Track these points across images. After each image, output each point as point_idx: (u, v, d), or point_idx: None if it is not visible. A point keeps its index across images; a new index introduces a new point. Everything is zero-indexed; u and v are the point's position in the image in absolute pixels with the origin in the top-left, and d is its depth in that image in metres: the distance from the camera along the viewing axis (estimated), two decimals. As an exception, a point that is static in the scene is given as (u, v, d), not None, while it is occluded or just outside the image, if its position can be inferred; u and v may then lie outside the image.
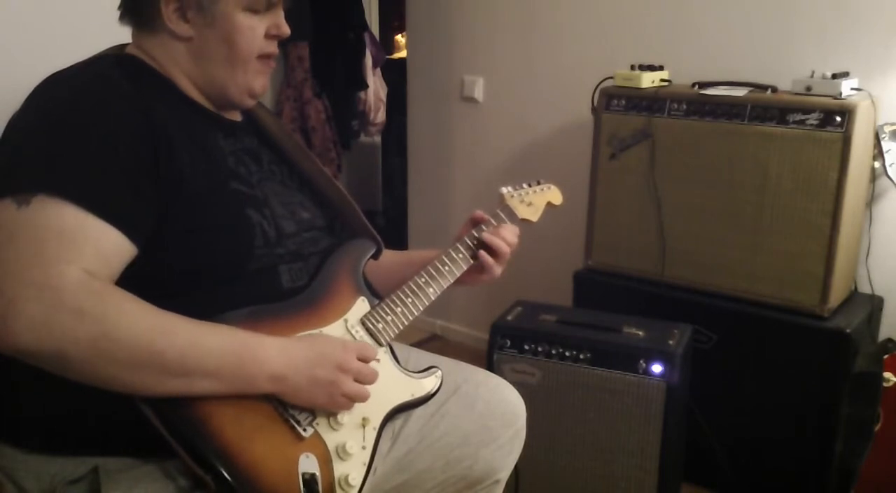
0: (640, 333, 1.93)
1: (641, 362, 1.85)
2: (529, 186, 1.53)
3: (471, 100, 3.01)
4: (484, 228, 1.40)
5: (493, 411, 1.39)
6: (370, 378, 1.15)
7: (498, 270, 1.40)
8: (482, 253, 1.38)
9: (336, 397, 1.09)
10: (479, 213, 1.43)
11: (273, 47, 1.22)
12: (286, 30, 1.22)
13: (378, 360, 1.21)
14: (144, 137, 1.05)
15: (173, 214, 1.06)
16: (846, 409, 1.98)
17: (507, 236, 1.40)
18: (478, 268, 1.39)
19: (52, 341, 0.92)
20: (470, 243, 1.39)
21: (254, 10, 1.17)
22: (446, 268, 1.34)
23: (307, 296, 1.18)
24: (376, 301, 1.25)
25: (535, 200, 1.52)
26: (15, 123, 1.08)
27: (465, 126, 3.07)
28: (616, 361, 1.88)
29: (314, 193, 1.32)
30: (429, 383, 1.29)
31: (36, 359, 0.94)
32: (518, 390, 1.47)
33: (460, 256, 1.37)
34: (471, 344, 3.15)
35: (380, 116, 3.62)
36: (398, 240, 3.40)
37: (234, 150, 1.20)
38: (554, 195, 1.57)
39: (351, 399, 1.12)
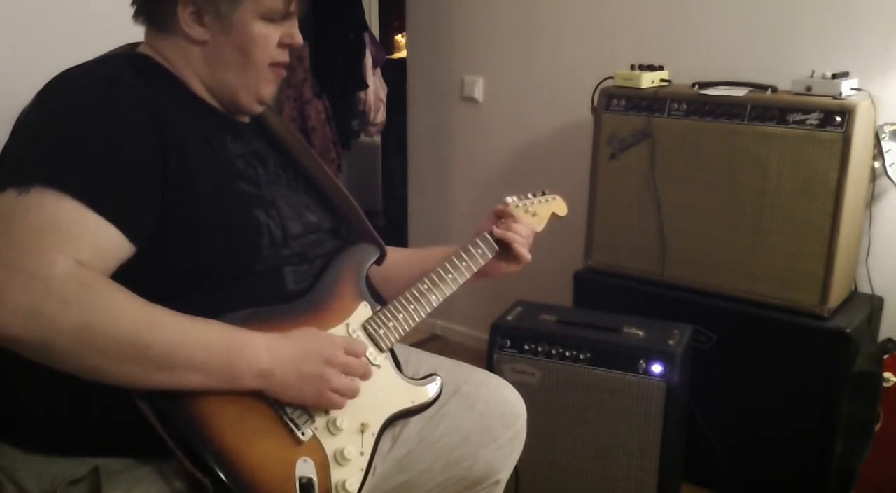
0: (640, 333, 1.93)
1: (641, 362, 1.85)
2: (534, 196, 1.54)
3: (471, 100, 3.01)
4: (496, 228, 1.43)
5: (494, 411, 1.39)
6: (360, 371, 1.14)
7: (524, 260, 1.45)
8: (508, 239, 1.41)
9: (324, 392, 1.09)
10: (500, 207, 1.47)
11: (285, 56, 1.23)
12: (299, 39, 1.22)
13: (379, 367, 1.21)
14: (151, 136, 1.05)
15: (181, 213, 1.06)
16: (846, 409, 1.98)
17: (519, 230, 1.43)
18: (502, 257, 1.43)
19: (38, 330, 0.91)
20: (476, 253, 1.40)
21: (270, 20, 1.18)
22: (450, 276, 1.34)
23: (310, 299, 1.18)
24: (378, 307, 1.25)
25: (539, 211, 1.52)
26: (24, 118, 1.08)
27: (465, 126, 3.07)
28: (616, 361, 1.88)
29: (320, 195, 1.32)
30: (429, 391, 1.28)
31: (21, 347, 0.93)
32: (518, 390, 1.46)
33: (464, 264, 1.37)
34: (471, 344, 3.15)
35: (380, 116, 3.62)
36: (398, 240, 3.40)
37: (243, 153, 1.20)
38: (559, 206, 1.57)
39: (340, 394, 1.11)
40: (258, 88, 1.21)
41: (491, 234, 1.43)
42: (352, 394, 1.13)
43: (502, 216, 1.47)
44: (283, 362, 1.05)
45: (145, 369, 0.97)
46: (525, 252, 1.43)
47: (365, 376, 1.15)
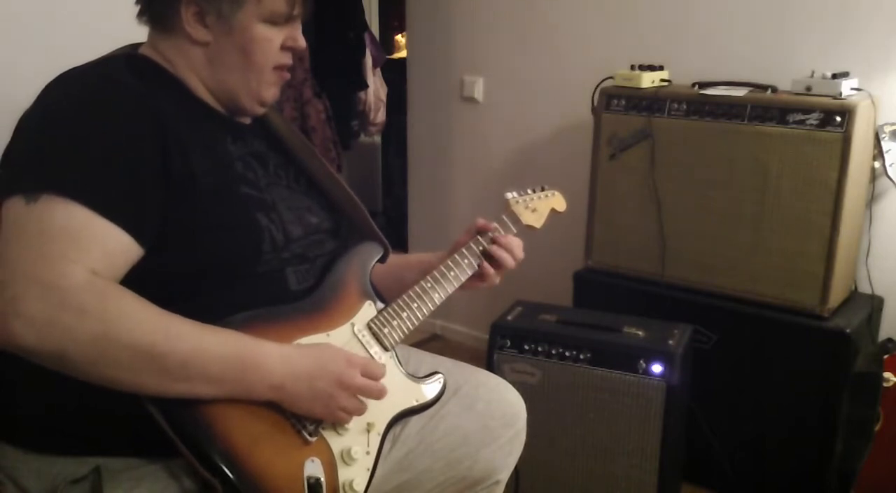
0: (640, 333, 1.93)
1: (641, 362, 1.85)
2: (534, 191, 1.53)
3: (471, 100, 3.01)
4: (490, 235, 1.40)
5: (494, 411, 1.39)
6: (374, 395, 1.14)
7: (497, 279, 1.41)
8: (485, 263, 1.38)
9: (334, 410, 1.09)
10: (483, 222, 1.42)
11: (288, 59, 1.23)
12: (302, 43, 1.22)
13: (384, 366, 1.20)
14: (153, 137, 1.05)
15: (182, 215, 1.06)
16: (846, 409, 1.98)
17: (515, 251, 1.40)
18: (478, 275, 1.39)
19: (54, 340, 0.92)
20: (477, 250, 1.38)
21: (273, 22, 1.17)
22: (452, 273, 1.34)
23: (315, 299, 1.18)
24: (382, 305, 1.26)
25: (539, 207, 1.52)
26: (25, 120, 1.08)
27: (465, 126, 3.07)
28: (616, 361, 1.88)
29: (321, 196, 1.32)
30: (433, 389, 1.29)
31: (37, 357, 0.94)
32: (518, 390, 1.46)
33: (465, 261, 1.37)
34: (471, 344, 3.15)
35: (380, 116, 3.62)
36: (398, 240, 3.40)
37: (242, 154, 1.20)
38: (558, 202, 1.56)
39: (349, 413, 1.11)
40: (260, 91, 1.21)
41: (483, 237, 1.39)
42: (360, 414, 1.13)
43: (484, 230, 1.41)
44: (295, 377, 1.06)
45: (160, 379, 0.97)
46: (494, 273, 1.39)
47: (378, 398, 1.15)
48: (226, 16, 1.14)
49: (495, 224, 1.43)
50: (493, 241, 1.39)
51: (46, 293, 0.92)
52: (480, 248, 1.39)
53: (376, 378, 1.15)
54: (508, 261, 1.39)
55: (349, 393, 1.10)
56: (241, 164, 1.18)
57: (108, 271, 0.98)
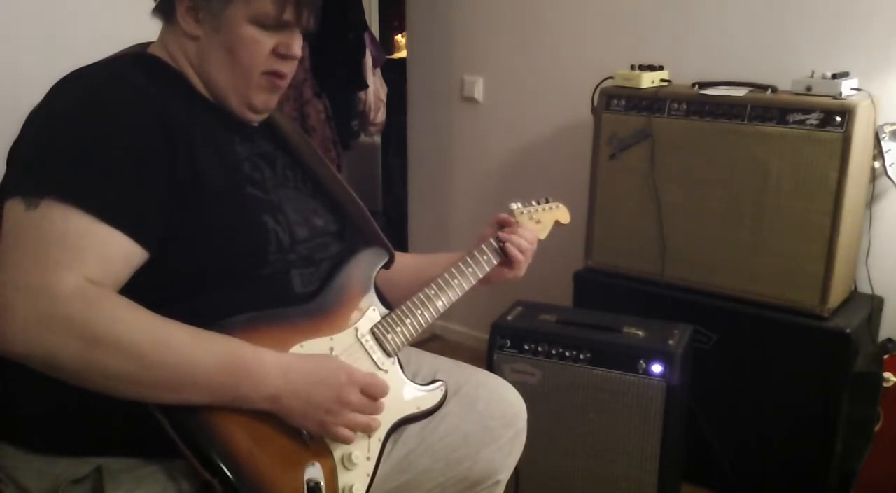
0: (640, 333, 1.93)
1: (641, 362, 1.85)
2: (538, 203, 1.54)
3: (471, 100, 3.01)
4: (501, 234, 1.44)
5: (494, 411, 1.39)
6: (371, 411, 1.14)
7: (524, 268, 1.44)
8: (510, 248, 1.41)
9: (328, 426, 1.09)
10: (504, 216, 1.47)
11: (280, 66, 1.19)
12: (296, 51, 1.19)
13: (387, 372, 1.21)
14: (159, 138, 1.04)
15: (188, 215, 1.06)
16: (846, 409, 1.98)
17: (526, 235, 1.44)
18: (506, 263, 1.43)
19: (43, 347, 0.92)
20: (495, 246, 1.42)
21: (261, 25, 1.16)
22: (455, 281, 1.35)
23: (319, 303, 1.18)
24: (386, 311, 1.26)
25: (543, 218, 1.53)
26: (31, 120, 1.08)
27: (465, 126, 3.07)
28: (616, 361, 1.88)
29: (327, 198, 1.32)
30: (434, 397, 1.29)
31: (28, 363, 0.94)
32: (518, 390, 1.46)
33: (470, 270, 1.38)
34: (471, 344, 3.15)
35: (380, 116, 3.61)
36: (398, 240, 3.40)
37: (250, 155, 1.19)
38: (562, 214, 1.58)
39: (342, 436, 1.10)
40: (248, 94, 1.19)
41: (496, 239, 1.43)
42: (349, 443, 1.12)
43: (505, 224, 1.46)
44: (293, 390, 1.05)
45: (150, 388, 0.97)
46: (525, 257, 1.44)
47: (375, 413, 1.15)
48: (215, 12, 1.14)
49: (514, 218, 1.47)
50: (506, 238, 1.43)
51: (38, 300, 0.92)
52: (485, 256, 1.41)
53: (376, 398, 1.14)
54: (522, 245, 1.42)
55: (347, 410, 1.09)
56: (248, 164, 1.18)
57: (106, 278, 0.97)
